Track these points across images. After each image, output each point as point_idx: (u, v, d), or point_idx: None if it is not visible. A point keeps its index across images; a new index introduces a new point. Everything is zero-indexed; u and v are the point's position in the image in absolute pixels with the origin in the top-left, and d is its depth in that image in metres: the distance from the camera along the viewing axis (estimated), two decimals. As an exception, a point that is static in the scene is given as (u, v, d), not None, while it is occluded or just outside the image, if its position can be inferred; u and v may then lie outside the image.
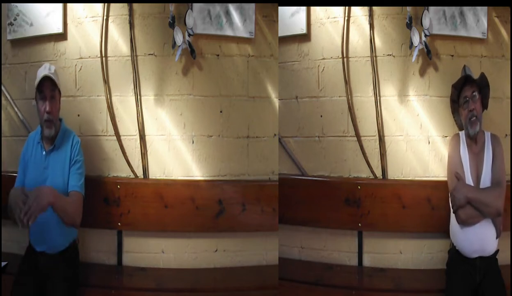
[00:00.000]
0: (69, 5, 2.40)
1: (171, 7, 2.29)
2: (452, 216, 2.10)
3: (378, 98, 2.41)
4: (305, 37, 2.50)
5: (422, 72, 2.39)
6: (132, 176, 2.40)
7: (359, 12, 2.43)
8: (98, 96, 2.40)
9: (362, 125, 2.44)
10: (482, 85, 2.12)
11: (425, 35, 2.30)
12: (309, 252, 2.54)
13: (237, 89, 2.42)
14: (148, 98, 2.40)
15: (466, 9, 2.35)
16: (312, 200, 2.45)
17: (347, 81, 2.44)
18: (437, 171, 2.38)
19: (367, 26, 2.41)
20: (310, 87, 2.51)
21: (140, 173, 2.40)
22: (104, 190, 2.34)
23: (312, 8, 2.48)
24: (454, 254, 2.11)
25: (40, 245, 2.05)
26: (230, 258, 2.43)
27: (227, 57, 2.41)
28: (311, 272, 2.38)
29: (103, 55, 2.38)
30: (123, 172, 2.41)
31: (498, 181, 2.03)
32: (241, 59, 2.42)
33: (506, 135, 2.35)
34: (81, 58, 2.41)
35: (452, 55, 2.38)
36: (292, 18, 2.49)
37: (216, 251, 2.43)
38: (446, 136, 2.36)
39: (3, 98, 2.47)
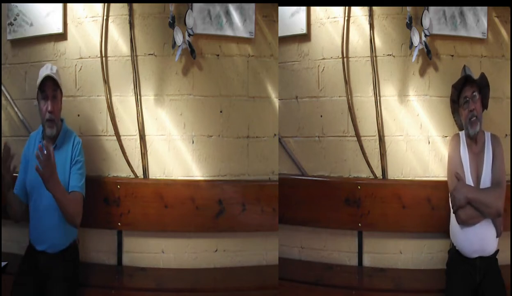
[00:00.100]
0: (69, 5, 2.40)
1: (171, 7, 2.29)
2: (452, 216, 2.10)
3: (378, 98, 2.41)
4: (305, 37, 2.50)
5: (422, 72, 2.39)
6: (132, 176, 2.40)
7: (359, 12, 2.43)
8: (98, 96, 2.40)
9: (362, 125, 2.44)
10: (482, 85, 2.12)
11: (425, 35, 2.30)
12: (309, 252, 2.54)
13: (237, 89, 2.42)
14: (148, 98, 2.40)
15: (466, 9, 2.35)
16: (312, 200, 2.45)
17: (347, 81, 2.44)
18: (437, 171, 2.38)
19: (367, 26, 2.41)
20: (310, 87, 2.51)
21: (140, 173, 2.40)
22: (104, 190, 2.34)
23: (312, 8, 2.48)
24: (454, 254, 2.11)
25: (41, 244, 2.05)
26: (230, 258, 2.43)
27: (227, 57, 2.41)
28: (311, 272, 2.38)
29: (103, 55, 2.38)
30: (123, 172, 2.41)
31: (498, 181, 2.03)
32: (241, 59, 2.43)
33: (506, 135, 2.35)
34: (81, 58, 2.41)
35: (452, 55, 2.38)
36: (292, 18, 2.49)
37: (216, 251, 2.43)
38: (446, 136, 2.36)
39: (3, 98, 2.47)
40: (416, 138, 2.40)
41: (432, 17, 2.32)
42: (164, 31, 2.35)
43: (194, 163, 2.41)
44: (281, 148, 2.55)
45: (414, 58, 2.32)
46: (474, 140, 2.11)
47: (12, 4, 2.41)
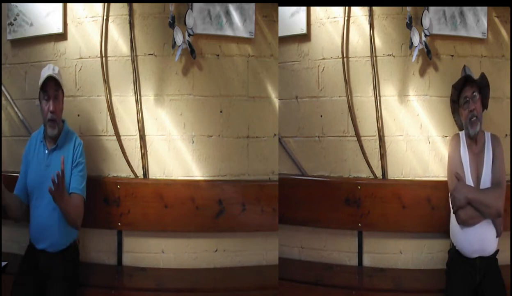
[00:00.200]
0: (69, 5, 2.40)
1: (171, 7, 2.29)
2: (452, 216, 2.10)
3: (378, 98, 2.41)
4: (305, 37, 2.50)
5: (422, 72, 2.39)
6: (132, 176, 2.40)
7: (359, 12, 2.43)
8: (98, 96, 2.40)
9: (362, 125, 2.44)
10: (482, 85, 2.12)
11: (425, 35, 2.30)
12: (309, 252, 2.54)
13: (237, 89, 2.42)
14: (148, 98, 2.40)
15: (466, 9, 2.35)
16: (312, 200, 2.45)
17: (347, 81, 2.44)
18: (437, 171, 2.38)
19: (367, 26, 2.41)
20: (310, 87, 2.51)
21: (140, 173, 2.40)
22: (104, 190, 2.34)
23: (312, 8, 2.48)
24: (454, 254, 2.11)
25: (41, 243, 2.06)
26: (230, 258, 2.43)
27: (227, 57, 2.41)
28: (311, 272, 2.38)
29: (103, 55, 2.38)
30: (123, 172, 2.41)
31: (498, 182, 2.04)
32: (241, 59, 2.43)
33: (506, 135, 2.35)
34: (81, 58, 2.41)
35: (452, 55, 2.38)
36: (292, 18, 2.49)
37: (216, 251, 2.43)
38: (446, 136, 2.36)
39: (3, 98, 2.47)
40: (416, 138, 2.40)
41: (432, 17, 2.32)
42: (164, 31, 2.35)
43: (194, 163, 2.41)
44: (281, 148, 2.55)
45: (414, 58, 2.32)
46: (474, 141, 2.11)
47: (12, 4, 2.41)
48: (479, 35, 2.35)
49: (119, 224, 2.35)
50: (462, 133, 2.17)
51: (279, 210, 2.37)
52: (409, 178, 2.40)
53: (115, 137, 2.39)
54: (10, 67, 2.48)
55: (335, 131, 2.48)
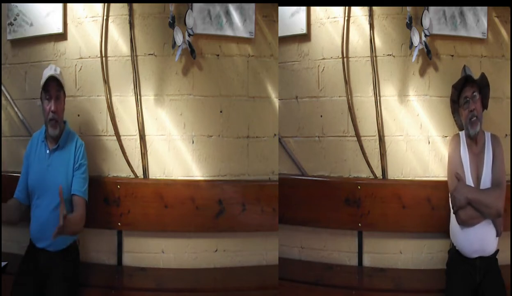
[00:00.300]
0: (69, 5, 2.40)
1: (171, 7, 2.29)
2: (452, 216, 2.10)
3: (378, 98, 2.41)
4: (305, 37, 2.50)
5: (422, 72, 2.39)
6: (132, 176, 2.40)
7: (359, 12, 2.43)
8: (98, 96, 2.40)
9: (362, 125, 2.44)
10: (482, 85, 2.12)
11: (425, 35, 2.30)
12: (309, 252, 2.54)
13: (237, 89, 2.42)
14: (148, 98, 2.40)
15: (466, 9, 2.35)
16: (312, 200, 2.45)
17: (347, 81, 2.44)
18: (437, 171, 2.38)
19: (367, 26, 2.41)
20: (310, 87, 2.51)
21: (140, 173, 2.40)
22: (104, 190, 2.34)
23: (312, 8, 2.48)
24: (454, 254, 2.11)
25: (41, 241, 2.06)
26: (230, 258, 2.43)
27: (227, 57, 2.41)
28: (311, 272, 2.38)
29: (103, 55, 2.38)
30: (123, 172, 2.41)
31: (498, 182, 2.04)
32: (241, 59, 2.43)
33: (506, 135, 2.35)
34: (81, 58, 2.41)
35: (452, 55, 2.38)
36: (292, 18, 2.49)
37: (216, 251, 2.43)
38: (446, 136, 2.36)
39: (3, 98, 2.47)
40: (416, 138, 2.40)
41: (432, 17, 2.32)
42: (164, 31, 2.35)
43: (194, 163, 2.41)
44: (281, 148, 2.55)
45: (414, 58, 2.32)
46: (474, 141, 2.11)
47: (12, 4, 2.41)
48: (479, 35, 2.35)
49: (119, 224, 2.35)
50: (462, 134, 2.17)
51: (279, 210, 2.37)
52: (409, 178, 2.40)
53: (115, 137, 2.39)
54: (10, 67, 2.48)
55: (335, 131, 2.48)
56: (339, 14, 2.45)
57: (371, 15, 2.39)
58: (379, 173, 2.43)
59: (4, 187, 2.28)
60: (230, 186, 2.39)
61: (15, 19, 2.41)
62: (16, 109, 2.46)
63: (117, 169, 2.41)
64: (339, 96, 2.46)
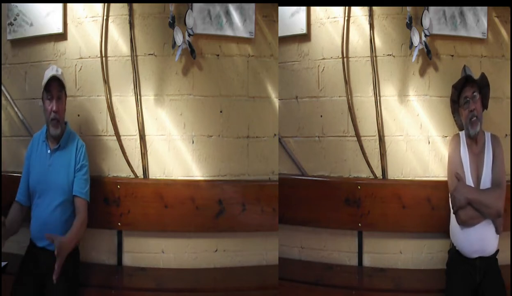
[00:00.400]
0: (69, 5, 2.40)
1: (171, 7, 2.29)
2: (452, 216, 2.10)
3: (378, 98, 2.41)
4: (305, 37, 2.50)
5: (422, 72, 2.39)
6: (132, 176, 2.40)
7: (359, 12, 2.43)
8: (98, 96, 2.40)
9: (362, 125, 2.44)
10: (482, 85, 2.12)
11: (425, 35, 2.30)
12: (309, 252, 2.54)
13: (237, 89, 2.42)
14: (148, 98, 2.40)
15: (466, 9, 2.35)
16: (312, 200, 2.45)
17: (347, 81, 2.44)
18: (437, 171, 2.38)
19: (367, 26, 2.41)
20: (310, 87, 2.51)
21: (140, 173, 2.40)
22: (104, 190, 2.34)
23: (312, 8, 2.48)
24: (454, 254, 2.11)
25: (41, 240, 2.07)
26: (230, 258, 2.43)
27: (227, 57, 2.41)
28: (311, 272, 2.38)
29: (103, 55, 2.38)
30: (123, 172, 2.41)
31: (498, 182, 2.04)
32: (241, 59, 2.43)
33: (506, 135, 2.35)
34: (81, 58, 2.41)
35: (452, 55, 2.38)
36: (292, 18, 2.49)
37: (216, 251, 2.43)
38: (446, 136, 2.36)
39: (3, 98, 2.47)
40: (416, 138, 2.40)
41: (432, 17, 2.32)
42: (164, 31, 2.35)
43: (194, 163, 2.41)
44: (281, 148, 2.55)
45: (414, 58, 2.32)
46: (474, 141, 2.11)
47: (12, 4, 2.41)
48: (479, 35, 2.35)
49: (119, 224, 2.35)
50: (462, 134, 2.17)
51: (279, 210, 2.37)
52: (409, 178, 2.40)
53: (115, 137, 2.39)
54: (10, 67, 2.47)
55: (335, 131, 2.48)
56: (339, 14, 2.45)
57: (371, 15, 2.39)
58: (379, 173, 2.43)
59: (4, 187, 2.29)
60: (230, 186, 2.39)
61: (15, 19, 2.41)
62: (16, 109, 2.46)
63: (117, 169, 2.41)
64: (339, 96, 2.46)
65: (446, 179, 2.18)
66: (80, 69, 2.41)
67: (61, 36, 2.41)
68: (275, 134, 2.48)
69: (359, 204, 2.39)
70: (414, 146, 2.40)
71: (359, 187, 2.40)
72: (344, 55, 2.43)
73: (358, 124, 2.44)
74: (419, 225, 2.35)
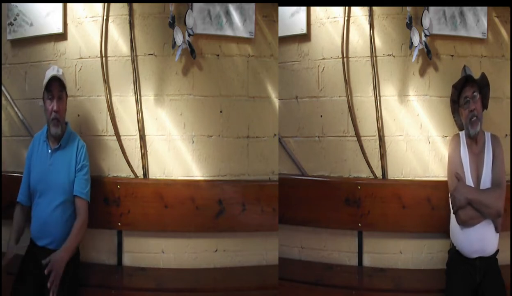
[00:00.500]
0: (69, 5, 2.40)
1: (171, 7, 2.29)
2: (452, 216, 2.10)
3: (378, 98, 2.41)
4: (305, 37, 2.50)
5: (422, 72, 2.39)
6: (132, 176, 2.40)
7: (359, 12, 2.43)
8: (98, 96, 2.40)
9: (362, 125, 2.44)
10: (482, 85, 2.12)
11: (425, 35, 2.30)
12: (309, 252, 2.54)
13: (237, 89, 2.42)
14: (148, 98, 2.40)
15: (466, 9, 2.35)
16: (312, 200, 2.45)
17: (347, 81, 2.44)
18: (437, 171, 2.38)
19: (367, 26, 2.41)
20: (310, 87, 2.51)
21: (140, 173, 2.40)
22: (104, 190, 2.34)
23: (312, 8, 2.48)
24: (454, 254, 2.11)
25: (42, 239, 2.08)
26: (230, 258, 2.43)
27: (227, 57, 2.41)
28: (311, 272, 2.38)
29: (103, 55, 2.38)
30: (123, 172, 2.41)
31: (498, 182, 2.04)
32: (241, 59, 2.43)
33: (506, 135, 2.35)
34: (81, 58, 2.41)
35: (452, 55, 2.38)
36: (292, 18, 2.49)
37: (216, 251, 2.43)
38: (446, 136, 2.36)
39: (3, 98, 2.47)
40: (416, 138, 2.40)
41: (432, 17, 2.32)
42: (164, 31, 2.35)
43: (194, 163, 2.41)
44: (281, 148, 2.55)
45: (414, 58, 2.32)
46: (474, 141, 2.11)
47: (12, 4, 2.41)
48: (479, 35, 2.35)
49: (119, 224, 2.35)
50: (462, 134, 2.17)
51: (279, 210, 2.37)
52: (409, 178, 2.40)
53: (115, 137, 2.39)
54: (10, 67, 2.48)
55: (335, 131, 2.48)
56: (339, 14, 2.45)
57: (371, 15, 2.39)
58: (379, 173, 2.43)
59: (4, 187, 2.29)
60: (230, 186, 2.39)
61: (15, 19, 2.41)
62: (16, 109, 2.46)
63: (117, 169, 2.41)
64: (339, 96, 2.46)
65: (446, 179, 2.18)
66: (80, 69, 2.41)
67: (61, 36, 2.41)
68: (275, 134, 2.48)
69: (359, 204, 2.39)
70: (414, 146, 2.40)
71: (359, 187, 2.40)
72: (344, 55, 2.43)
73: (358, 124, 2.44)
74: (419, 225, 2.35)
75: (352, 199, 2.40)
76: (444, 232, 2.22)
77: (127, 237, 2.41)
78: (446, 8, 2.34)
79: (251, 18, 2.39)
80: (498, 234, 2.05)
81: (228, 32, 2.38)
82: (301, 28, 2.48)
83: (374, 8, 2.40)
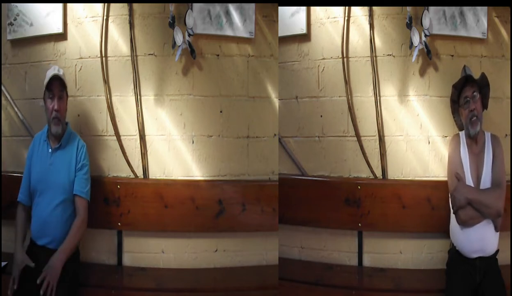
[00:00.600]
0: (69, 5, 2.40)
1: (171, 7, 2.29)
2: (452, 216, 2.10)
3: (378, 98, 2.41)
4: (305, 37, 2.50)
5: (422, 72, 2.39)
6: (132, 176, 2.40)
7: (359, 12, 2.43)
8: (98, 96, 2.40)
9: (362, 125, 2.44)
10: (482, 85, 2.13)
11: (425, 35, 2.30)
12: (309, 252, 2.54)
13: (237, 89, 2.42)
14: (148, 98, 2.40)
15: (466, 9, 2.35)
16: (312, 200, 2.45)
17: (347, 81, 2.44)
18: (437, 171, 2.38)
19: (367, 26, 2.41)
20: (310, 87, 2.51)
21: (140, 173, 2.40)
22: (104, 190, 2.34)
23: (312, 8, 2.48)
24: (454, 254, 2.11)
25: (41, 238, 2.08)
26: (230, 258, 2.43)
27: (227, 57, 2.41)
28: (311, 272, 2.38)
29: (103, 55, 2.38)
30: (123, 172, 2.41)
31: (498, 182, 2.04)
32: (241, 59, 2.43)
33: (506, 135, 2.35)
34: (81, 58, 2.41)
35: (452, 55, 2.38)
36: (292, 18, 2.49)
37: (216, 251, 2.43)
38: (446, 136, 2.36)
39: (3, 98, 2.47)
40: (416, 138, 2.40)
41: (432, 17, 2.32)
42: (164, 31, 2.35)
43: (194, 163, 2.41)
44: (281, 148, 2.55)
45: (414, 58, 2.32)
46: (474, 141, 2.11)
47: (12, 4, 2.41)
48: (479, 35, 2.35)
49: (119, 224, 2.35)
50: (462, 134, 2.17)
51: (279, 210, 2.37)
52: (409, 178, 2.40)
53: (115, 137, 2.39)
54: (10, 67, 2.48)
55: (335, 131, 2.48)
56: (339, 14, 2.45)
57: (371, 15, 2.39)
58: (379, 173, 2.43)
59: (4, 187, 2.29)
60: (230, 186, 2.39)
61: (15, 19, 2.41)
62: (16, 109, 2.46)
63: (117, 169, 2.41)
64: (339, 96, 2.46)
65: (446, 179, 2.18)
66: (80, 69, 2.42)
67: (61, 36, 2.41)
68: (275, 134, 2.48)
69: (359, 204, 2.39)
70: (414, 146, 2.40)
71: (359, 187, 2.40)
72: (344, 55, 2.43)
73: (358, 124, 2.44)
74: (419, 225, 2.35)
75: (352, 199, 2.40)
76: (444, 232, 2.22)
77: (127, 237, 2.41)
78: (446, 8, 2.34)
79: (251, 18, 2.39)
80: (498, 233, 2.05)
81: (228, 32, 2.38)
82: (301, 28, 2.48)
83: (374, 8, 2.40)
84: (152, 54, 2.38)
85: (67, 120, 2.23)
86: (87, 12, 2.40)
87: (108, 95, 2.39)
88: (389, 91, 2.41)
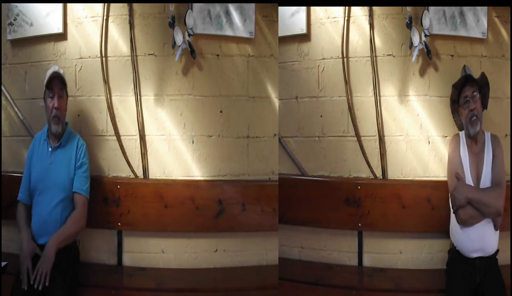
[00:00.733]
0: (69, 5, 2.40)
1: (171, 7, 2.29)
2: (452, 216, 2.10)
3: (378, 98, 2.41)
4: (305, 37, 2.50)
5: (422, 72, 2.39)
6: (132, 176, 2.40)
7: (359, 12, 2.43)
8: (98, 96, 2.41)
9: (362, 125, 2.44)
10: (482, 85, 2.13)
11: (425, 35, 2.30)
12: (309, 252, 2.54)
13: (237, 89, 2.42)
14: (148, 98, 2.40)
15: (466, 9, 2.35)
16: (312, 200, 2.45)
17: (347, 81, 2.44)
18: (437, 171, 2.38)
19: (367, 26, 2.41)
20: (310, 87, 2.51)
21: (140, 173, 2.40)
22: (104, 190, 2.34)
23: (312, 8, 2.48)
24: (454, 254, 2.11)
25: (42, 238, 2.07)
26: (230, 258, 2.43)
27: (227, 57, 2.41)
28: (311, 272, 2.38)
29: (103, 55, 2.38)
30: (123, 172, 2.41)
31: (498, 182, 2.04)
32: (241, 59, 2.43)
33: (506, 135, 2.36)
34: (81, 58, 2.41)
35: (452, 55, 2.38)
36: (292, 18, 2.49)
37: (216, 251, 2.43)
38: (446, 136, 2.36)
39: (3, 98, 2.47)
40: (416, 138, 2.40)
41: (432, 17, 2.32)
42: (164, 31, 2.35)
43: (194, 163, 2.41)
44: (281, 148, 2.55)
45: (414, 58, 2.32)
46: (474, 140, 2.11)
47: (12, 4, 2.41)
48: (479, 35, 2.35)
49: (119, 224, 2.35)
50: (462, 133, 2.17)
51: (279, 210, 2.37)
52: (409, 178, 2.40)
53: (115, 137, 2.39)
54: (10, 67, 2.48)
55: (335, 131, 2.48)
56: (339, 14, 2.45)
57: (371, 15, 2.39)
58: (379, 173, 2.43)
59: (4, 187, 2.29)
60: (230, 186, 2.39)
61: (15, 19, 2.41)
62: (16, 109, 2.46)
63: (117, 169, 2.41)
64: (339, 96, 2.46)
65: (446, 179, 2.18)
66: (80, 69, 2.42)
67: (61, 36, 2.41)
68: (275, 134, 2.48)
69: (359, 204, 2.39)
70: (414, 146, 2.40)
71: (359, 187, 2.40)
72: (344, 55, 2.43)
73: (358, 124, 2.44)
74: (419, 225, 2.35)
75: (352, 199, 2.40)
76: (444, 232, 2.22)
77: (127, 237, 2.41)
78: (446, 8, 2.34)
79: (251, 18, 2.39)
80: (498, 233, 2.05)
81: (228, 32, 2.38)
82: (301, 28, 2.48)
83: (374, 8, 2.40)
84: (152, 54, 2.38)
85: (67, 120, 2.23)
86: (87, 12, 2.40)
87: (108, 95, 2.39)
88: (389, 91, 2.41)
